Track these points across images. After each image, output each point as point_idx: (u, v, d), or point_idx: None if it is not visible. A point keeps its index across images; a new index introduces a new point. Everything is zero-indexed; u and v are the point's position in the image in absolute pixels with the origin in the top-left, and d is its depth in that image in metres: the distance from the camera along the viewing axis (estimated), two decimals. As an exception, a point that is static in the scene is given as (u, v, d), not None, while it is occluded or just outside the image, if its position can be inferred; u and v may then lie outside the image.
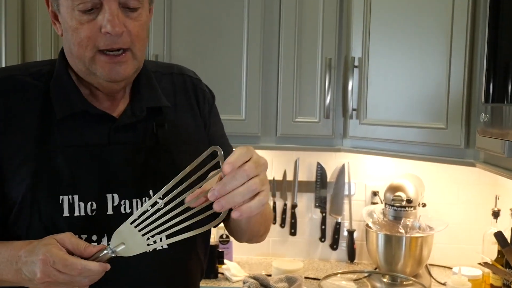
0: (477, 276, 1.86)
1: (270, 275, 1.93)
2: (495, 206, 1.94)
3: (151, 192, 1.02)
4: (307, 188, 2.25)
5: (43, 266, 0.85)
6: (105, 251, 0.88)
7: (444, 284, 1.96)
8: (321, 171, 2.24)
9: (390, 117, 1.75)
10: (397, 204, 1.93)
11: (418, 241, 1.89)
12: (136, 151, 1.03)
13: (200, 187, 0.84)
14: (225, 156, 0.83)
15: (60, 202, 0.97)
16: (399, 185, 1.97)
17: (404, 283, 1.88)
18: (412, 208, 1.94)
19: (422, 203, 2.01)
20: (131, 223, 0.88)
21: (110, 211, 1.00)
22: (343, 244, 2.26)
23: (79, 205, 0.98)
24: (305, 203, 2.27)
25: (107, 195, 1.00)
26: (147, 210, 0.87)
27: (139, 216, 0.87)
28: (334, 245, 2.26)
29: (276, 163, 2.23)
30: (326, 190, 2.25)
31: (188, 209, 0.84)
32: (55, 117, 1.00)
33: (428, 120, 1.66)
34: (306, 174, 2.26)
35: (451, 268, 2.01)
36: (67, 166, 0.98)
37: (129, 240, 0.88)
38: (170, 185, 0.84)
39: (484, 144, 1.45)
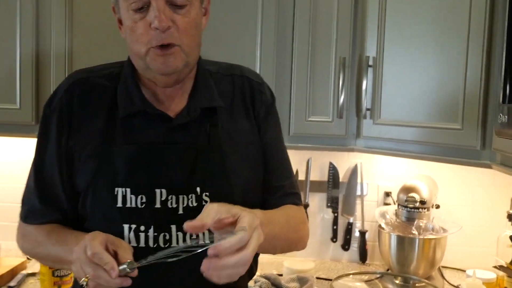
0: (492, 279, 1.83)
1: (281, 275, 1.92)
2: (511, 208, 1.92)
3: (198, 189, 1.08)
4: (319, 188, 2.24)
5: (77, 248, 0.96)
6: (123, 266, 0.94)
7: (457, 286, 1.93)
8: (333, 171, 2.22)
9: (405, 117, 1.73)
10: (411, 205, 1.91)
11: (432, 242, 1.87)
12: (187, 150, 1.10)
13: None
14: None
15: (115, 193, 1.08)
16: (412, 186, 1.95)
17: (416, 285, 1.86)
18: (426, 210, 1.92)
19: (436, 205, 1.99)
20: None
21: (158, 205, 1.08)
22: (354, 245, 2.24)
23: (130, 197, 1.08)
24: (317, 203, 2.26)
25: (156, 190, 1.08)
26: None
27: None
28: (345, 246, 2.24)
29: (288, 163, 2.21)
30: (338, 190, 2.23)
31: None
32: (119, 116, 1.11)
33: (444, 121, 1.64)
34: (318, 174, 2.24)
35: (464, 271, 1.99)
36: (123, 162, 1.09)
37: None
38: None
39: (501, 145, 1.43)
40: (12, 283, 1.81)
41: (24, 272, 1.93)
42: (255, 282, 1.76)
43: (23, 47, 1.89)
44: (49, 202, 1.16)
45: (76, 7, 1.88)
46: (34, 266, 1.99)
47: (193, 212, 1.03)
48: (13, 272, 1.89)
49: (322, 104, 1.86)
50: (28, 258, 2.12)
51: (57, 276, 1.73)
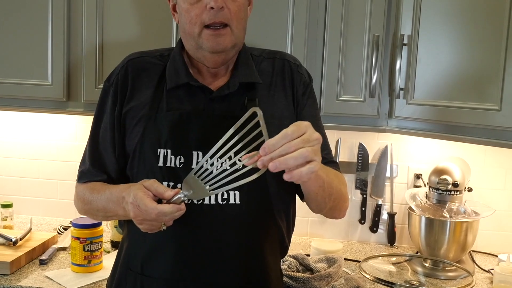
0: (525, 265, 1.79)
1: (309, 255, 1.91)
2: (546, 193, 1.87)
3: (231, 154, 1.14)
4: (348, 169, 2.21)
5: (133, 208, 1.12)
6: (178, 195, 1.11)
7: (488, 271, 1.90)
8: (362, 152, 2.19)
9: (439, 97, 1.69)
10: (443, 188, 1.88)
11: (463, 226, 1.83)
12: (224, 119, 1.22)
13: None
14: None
15: (158, 154, 1.22)
16: (444, 168, 1.91)
17: (446, 268, 1.83)
18: (458, 193, 1.88)
19: (468, 188, 1.94)
20: (194, 174, 1.09)
21: (194, 166, 1.20)
22: (382, 227, 2.22)
23: (170, 158, 1.21)
24: (345, 184, 2.23)
25: (193, 152, 1.21)
26: (204, 165, 1.08)
27: (199, 169, 1.08)
28: (373, 228, 2.22)
29: (317, 143, 2.19)
30: (368, 172, 2.20)
31: (234, 165, 1.04)
32: (166, 88, 1.26)
33: (480, 101, 1.59)
34: (348, 154, 2.22)
35: (495, 256, 1.96)
36: (166, 127, 1.23)
37: (195, 187, 1.09)
38: (219, 144, 1.03)
39: (541, 126, 1.39)
40: (43, 257, 1.85)
41: (55, 246, 1.97)
42: (283, 261, 1.76)
43: (55, 33, 1.91)
44: (99, 164, 1.33)
45: (107, 4, 1.88)
46: (65, 240, 2.03)
47: (226, 174, 1.13)
48: (44, 246, 1.93)
49: (354, 83, 1.83)
50: (58, 233, 2.16)
51: (87, 250, 1.75)
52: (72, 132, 2.32)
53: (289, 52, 1.81)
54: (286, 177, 0.97)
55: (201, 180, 1.08)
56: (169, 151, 1.21)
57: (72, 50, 1.93)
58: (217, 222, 1.20)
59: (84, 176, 1.35)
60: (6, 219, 2.13)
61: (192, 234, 1.20)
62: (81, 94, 1.92)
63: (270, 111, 1.25)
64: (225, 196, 1.20)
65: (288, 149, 0.94)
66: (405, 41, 1.75)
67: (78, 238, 1.76)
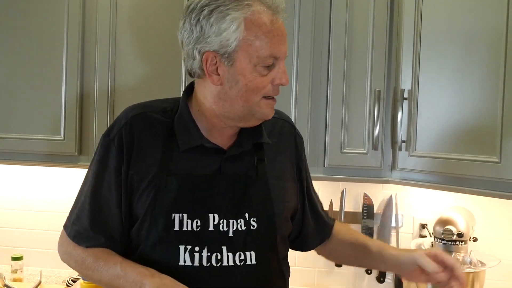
0: (533, 316, 1.79)
1: (316, 307, 1.92)
2: (551, 242, 1.88)
3: (246, 215, 1.22)
4: (353, 219, 2.24)
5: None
6: None
7: (497, 322, 1.89)
8: (367, 202, 2.22)
9: (441, 149, 1.73)
10: (447, 238, 1.89)
11: (470, 276, 1.84)
12: (238, 180, 1.24)
13: None
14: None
15: (172, 218, 1.20)
16: (449, 218, 1.93)
17: (454, 320, 1.82)
18: (463, 243, 1.90)
19: (473, 238, 1.96)
20: None
21: (211, 228, 1.21)
22: (389, 277, 2.22)
23: (187, 221, 1.20)
24: (351, 234, 2.25)
25: (209, 214, 1.21)
26: None
27: None
28: (381, 278, 2.22)
29: (323, 193, 2.22)
30: (373, 221, 2.22)
31: None
32: (177, 148, 1.24)
33: (481, 153, 1.63)
34: (353, 204, 2.25)
35: (503, 306, 1.95)
36: (180, 190, 1.21)
37: None
38: None
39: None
40: (52, 310, 1.86)
41: (64, 298, 1.98)
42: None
43: (69, 83, 2.00)
44: (100, 227, 1.25)
45: (119, 46, 1.97)
46: (74, 293, 2.04)
47: (242, 235, 1.21)
48: (53, 299, 1.95)
49: (357, 136, 1.88)
50: (67, 285, 2.17)
51: (96, 303, 1.77)
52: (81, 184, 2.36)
53: (293, 108, 1.89)
54: None
55: None
56: (184, 215, 1.20)
57: (85, 105, 2.00)
58: (235, 282, 1.21)
59: (83, 238, 1.26)
60: (16, 272, 2.16)
61: None
62: (92, 148, 1.98)
63: (276, 173, 1.30)
64: (242, 257, 1.21)
65: None
66: (406, 95, 1.82)
67: (87, 291, 1.78)
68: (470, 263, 1.87)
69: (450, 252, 1.89)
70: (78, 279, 2.15)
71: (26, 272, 2.28)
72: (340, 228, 1.48)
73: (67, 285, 2.17)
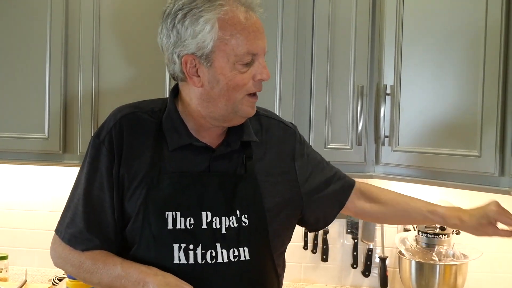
0: (514, 306, 1.82)
1: (302, 301, 1.93)
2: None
3: (238, 212, 1.24)
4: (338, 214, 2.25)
5: None
6: None
7: (479, 313, 1.92)
8: (352, 197, 2.24)
9: (423, 144, 1.76)
10: (430, 231, 1.92)
11: (453, 269, 1.87)
12: (228, 178, 1.26)
13: None
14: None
15: (166, 217, 1.21)
16: (432, 212, 1.96)
17: (438, 312, 1.86)
18: (446, 236, 1.93)
19: (456, 231, 1.99)
20: None
21: (204, 226, 1.22)
22: (375, 271, 2.25)
23: (180, 220, 1.21)
24: (336, 229, 2.27)
25: (202, 212, 1.23)
26: None
27: None
28: (366, 272, 2.24)
29: (308, 189, 2.24)
30: (358, 216, 2.24)
31: None
32: (166, 147, 1.25)
33: (461, 148, 1.66)
34: (338, 200, 2.26)
35: (486, 298, 1.98)
36: (172, 189, 1.23)
37: None
38: None
39: (520, 172, 1.44)
40: (38, 309, 1.86)
41: (50, 297, 1.98)
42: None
43: (52, 85, 2.00)
44: (95, 228, 1.25)
45: (103, 45, 1.97)
46: (60, 291, 2.04)
47: (234, 232, 1.23)
48: (39, 298, 1.94)
49: (341, 131, 1.90)
50: (53, 284, 2.17)
51: (83, 301, 1.77)
52: (66, 183, 2.34)
53: (277, 105, 1.91)
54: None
55: None
56: (178, 213, 1.21)
57: (69, 102, 2.00)
58: (229, 278, 1.22)
59: (79, 241, 1.25)
60: (1, 271, 2.15)
61: None
62: (76, 146, 1.98)
63: (265, 169, 1.31)
64: (236, 253, 1.23)
65: None
66: (388, 91, 1.84)
67: (73, 290, 1.78)
68: (453, 255, 1.91)
69: (433, 245, 1.92)
70: (63, 277, 2.15)
71: (12, 272, 2.26)
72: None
73: (53, 284, 2.17)
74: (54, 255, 1.30)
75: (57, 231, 1.29)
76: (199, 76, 1.20)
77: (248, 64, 1.19)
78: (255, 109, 1.27)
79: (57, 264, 1.30)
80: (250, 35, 1.18)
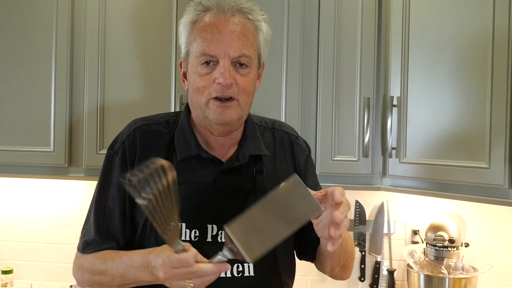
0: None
1: (309, 316, 1.91)
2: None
3: None
4: (345, 226, 2.23)
5: (163, 267, 1.07)
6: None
7: (490, 327, 1.89)
8: (359, 209, 2.22)
9: (430, 156, 1.74)
10: (439, 244, 1.90)
11: (462, 282, 1.84)
12: (236, 192, 1.25)
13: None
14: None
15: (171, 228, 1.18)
16: (440, 224, 1.94)
17: (448, 326, 1.83)
18: (455, 248, 1.90)
19: (465, 243, 1.97)
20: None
21: (209, 239, 1.22)
22: (383, 284, 2.22)
23: (185, 231, 1.21)
24: (343, 241, 2.24)
25: (208, 225, 1.22)
26: None
27: None
28: (374, 285, 2.22)
29: (314, 201, 2.22)
30: (365, 227, 2.22)
31: None
32: (176, 159, 1.25)
33: (470, 159, 1.64)
34: (345, 212, 2.24)
35: (496, 311, 1.95)
36: (179, 200, 1.15)
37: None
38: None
39: (530, 184, 1.42)
40: (43, 323, 1.84)
41: (55, 312, 1.96)
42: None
43: (58, 99, 2.00)
44: (106, 235, 1.27)
45: (108, 65, 1.98)
46: (65, 306, 2.02)
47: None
48: (44, 312, 1.93)
49: (348, 143, 1.89)
50: (58, 298, 2.15)
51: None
52: (72, 196, 2.35)
53: (283, 117, 1.89)
54: (330, 247, 1.05)
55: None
56: (183, 224, 1.21)
57: (74, 116, 2.00)
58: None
59: (89, 246, 1.28)
60: (6, 286, 2.13)
61: None
62: (82, 159, 1.97)
63: (275, 184, 1.25)
64: (240, 268, 1.22)
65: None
66: (395, 103, 1.82)
67: (78, 304, 1.76)
68: (462, 268, 1.88)
69: (442, 258, 1.89)
70: (69, 291, 2.13)
71: (17, 286, 2.25)
72: None
73: (59, 298, 2.15)
74: (74, 270, 1.32)
75: (77, 247, 1.32)
76: (187, 79, 1.27)
77: (209, 65, 1.19)
78: (225, 115, 1.20)
79: (78, 279, 1.31)
80: (208, 36, 1.18)
